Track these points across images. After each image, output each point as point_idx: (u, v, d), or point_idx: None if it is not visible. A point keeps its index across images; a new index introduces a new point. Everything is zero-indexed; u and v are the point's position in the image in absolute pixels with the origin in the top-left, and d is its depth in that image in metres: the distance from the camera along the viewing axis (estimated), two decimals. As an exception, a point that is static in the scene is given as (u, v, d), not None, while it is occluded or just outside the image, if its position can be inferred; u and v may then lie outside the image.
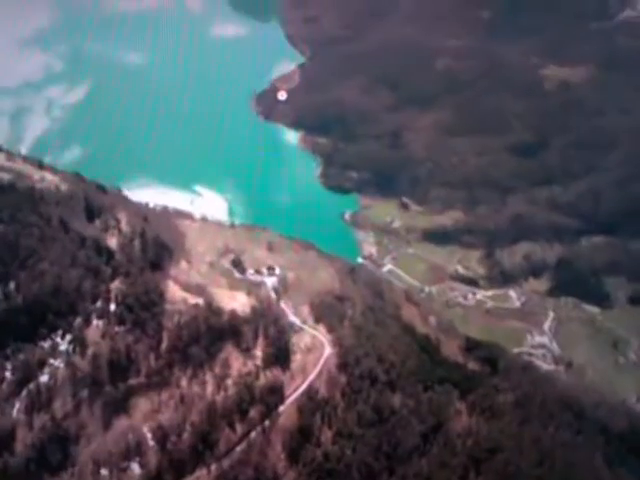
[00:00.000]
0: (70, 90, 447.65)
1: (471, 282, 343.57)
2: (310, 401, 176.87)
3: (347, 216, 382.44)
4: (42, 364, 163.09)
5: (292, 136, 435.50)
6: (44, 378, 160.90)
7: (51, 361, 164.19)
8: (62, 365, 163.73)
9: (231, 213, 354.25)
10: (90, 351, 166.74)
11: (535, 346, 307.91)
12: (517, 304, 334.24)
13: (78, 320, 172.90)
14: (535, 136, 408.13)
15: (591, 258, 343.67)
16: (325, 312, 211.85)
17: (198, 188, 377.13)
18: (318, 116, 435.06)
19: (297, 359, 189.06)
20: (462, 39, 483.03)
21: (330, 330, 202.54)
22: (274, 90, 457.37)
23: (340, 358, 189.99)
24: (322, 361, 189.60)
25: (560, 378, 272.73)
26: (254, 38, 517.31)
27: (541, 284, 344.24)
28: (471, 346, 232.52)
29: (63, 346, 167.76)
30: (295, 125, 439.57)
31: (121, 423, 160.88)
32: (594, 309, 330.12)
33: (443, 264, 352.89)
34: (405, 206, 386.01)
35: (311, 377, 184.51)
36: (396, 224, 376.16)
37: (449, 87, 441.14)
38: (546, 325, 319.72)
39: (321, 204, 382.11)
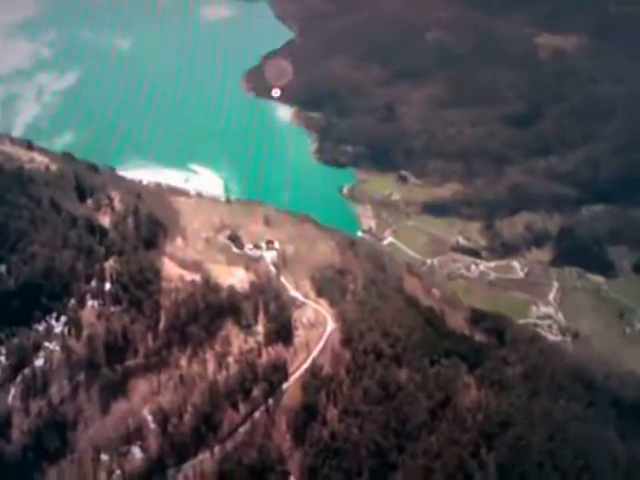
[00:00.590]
0: (60, 76, 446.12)
1: (473, 253, 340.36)
2: (314, 378, 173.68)
3: (345, 190, 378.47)
4: (37, 348, 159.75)
5: (285, 112, 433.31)
6: (39, 362, 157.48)
7: (46, 344, 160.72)
8: (57, 348, 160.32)
9: (227, 191, 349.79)
10: (85, 333, 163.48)
11: (541, 317, 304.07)
12: (521, 275, 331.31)
13: (72, 301, 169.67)
14: (529, 106, 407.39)
15: (592, 227, 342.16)
16: (327, 286, 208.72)
17: (193, 167, 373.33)
18: (310, 91, 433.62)
19: (300, 335, 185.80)
20: (452, 10, 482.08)
21: (332, 304, 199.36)
22: (264, 67, 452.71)
23: (344, 333, 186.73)
24: (325, 336, 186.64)
25: (568, 349, 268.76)
26: (243, 18, 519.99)
27: (544, 254, 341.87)
28: (477, 317, 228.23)
29: (58, 328, 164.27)
30: (287, 101, 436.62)
31: (120, 406, 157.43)
32: (599, 278, 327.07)
33: (444, 236, 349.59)
34: (403, 179, 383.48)
35: (315, 353, 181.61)
36: (395, 197, 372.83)
37: (441, 59, 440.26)
38: (551, 295, 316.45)
39: (318, 179, 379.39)
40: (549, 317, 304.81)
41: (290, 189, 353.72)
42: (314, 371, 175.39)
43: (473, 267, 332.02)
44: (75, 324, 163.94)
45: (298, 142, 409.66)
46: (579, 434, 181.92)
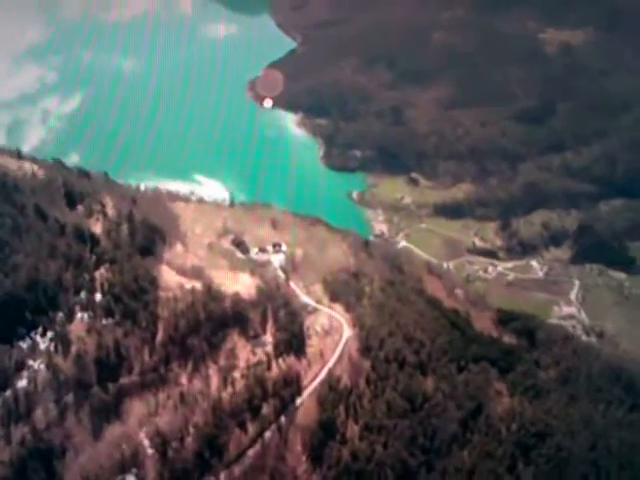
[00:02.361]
0: (65, 99, 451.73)
1: (490, 254, 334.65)
2: (331, 391, 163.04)
3: (354, 195, 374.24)
4: (20, 367, 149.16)
5: (291, 119, 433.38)
6: (22, 383, 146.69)
7: (30, 363, 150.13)
8: (43, 367, 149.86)
9: (233, 200, 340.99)
10: (74, 349, 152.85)
11: (564, 317, 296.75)
12: (540, 274, 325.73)
13: (59, 315, 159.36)
14: (540, 102, 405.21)
15: (611, 222, 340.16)
16: (341, 290, 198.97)
17: (198, 177, 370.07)
18: (315, 98, 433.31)
19: (313, 344, 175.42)
20: (456, 10, 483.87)
21: (348, 309, 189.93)
22: (269, 76, 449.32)
23: (362, 340, 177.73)
24: (342, 345, 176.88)
25: (600, 349, 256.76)
26: (246, 33, 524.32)
27: (563, 252, 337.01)
28: (505, 318, 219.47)
29: (43, 345, 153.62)
30: (293, 109, 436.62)
31: (113, 430, 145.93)
32: (620, 275, 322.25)
33: (459, 238, 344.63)
34: (414, 182, 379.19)
35: (330, 363, 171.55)
36: (406, 200, 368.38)
37: (447, 60, 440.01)
38: (572, 294, 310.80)
39: (327, 185, 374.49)
40: (572, 317, 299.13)
41: (298, 196, 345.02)
42: (331, 383, 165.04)
43: (491, 268, 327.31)
44: (62, 339, 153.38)
45: (305, 149, 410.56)
46: (623, 441, 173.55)
